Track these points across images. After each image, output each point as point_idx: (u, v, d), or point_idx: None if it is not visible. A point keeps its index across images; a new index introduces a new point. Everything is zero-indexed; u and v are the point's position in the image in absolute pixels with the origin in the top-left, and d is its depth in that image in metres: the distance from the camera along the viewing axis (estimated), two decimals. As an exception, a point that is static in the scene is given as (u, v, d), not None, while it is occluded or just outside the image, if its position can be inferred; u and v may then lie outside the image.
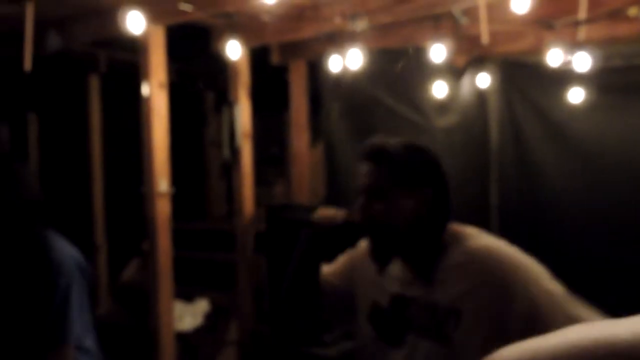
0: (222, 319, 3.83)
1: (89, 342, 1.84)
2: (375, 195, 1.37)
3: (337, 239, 1.46)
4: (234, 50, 3.07)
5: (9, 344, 1.68)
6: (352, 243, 1.50)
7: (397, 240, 1.39)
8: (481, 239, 1.38)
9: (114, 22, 3.20)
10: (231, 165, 3.79)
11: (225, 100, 4.00)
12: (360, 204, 1.39)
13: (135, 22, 2.68)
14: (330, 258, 1.60)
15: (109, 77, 4.33)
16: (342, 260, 1.60)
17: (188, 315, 3.79)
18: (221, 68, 4.48)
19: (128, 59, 4.28)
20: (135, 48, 3.48)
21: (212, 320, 3.85)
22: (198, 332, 3.79)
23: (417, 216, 1.36)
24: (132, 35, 3.04)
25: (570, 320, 1.19)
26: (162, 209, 3.24)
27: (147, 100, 3.19)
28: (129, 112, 4.72)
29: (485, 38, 2.88)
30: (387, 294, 1.43)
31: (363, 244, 1.54)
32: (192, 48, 4.29)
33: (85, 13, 3.35)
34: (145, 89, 3.19)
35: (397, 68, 3.71)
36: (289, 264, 1.55)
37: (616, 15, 3.44)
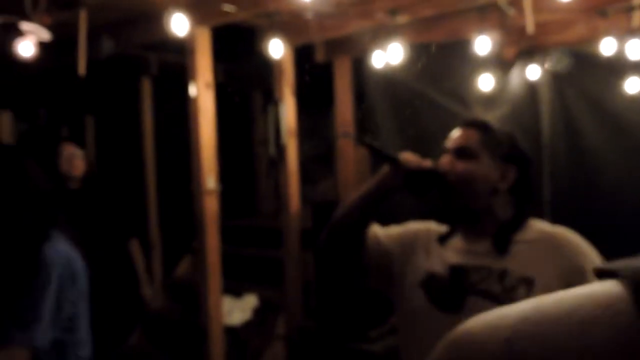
0: (270, 314, 3.89)
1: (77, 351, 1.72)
2: (463, 154, 1.43)
3: (417, 183, 1.44)
4: (277, 49, 3.11)
5: None
6: (427, 191, 1.46)
7: (470, 202, 1.43)
8: (547, 225, 1.44)
9: (162, 25, 3.30)
10: (277, 163, 3.84)
11: (271, 100, 4.05)
12: (446, 159, 1.45)
13: (179, 25, 2.76)
14: (407, 199, 1.62)
15: (159, 79, 4.46)
16: (398, 228, 1.60)
17: (237, 310, 3.87)
18: (267, 68, 4.54)
19: (177, 60, 4.40)
20: (183, 50, 3.58)
21: (260, 315, 3.92)
22: (247, 326, 3.87)
23: (496, 189, 1.42)
24: (178, 37, 3.13)
25: None
26: (210, 206, 3.32)
27: (195, 100, 3.28)
28: (179, 112, 4.86)
29: (530, 28, 2.80)
30: (446, 264, 1.45)
31: (427, 224, 1.58)
32: (238, 48, 4.37)
33: (135, 17, 3.46)
34: (192, 90, 3.27)
35: (442, 61, 3.66)
36: (346, 198, 1.55)
37: (674, -1, 3.28)
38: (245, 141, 5.35)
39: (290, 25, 3.45)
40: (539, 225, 1.44)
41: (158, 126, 4.54)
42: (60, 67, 3.59)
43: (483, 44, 3.14)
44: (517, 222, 1.43)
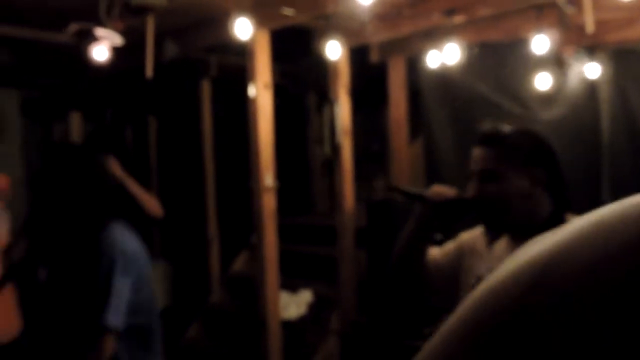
0: (325, 309, 3.97)
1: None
2: (487, 177, 1.45)
3: (448, 213, 1.53)
4: (334, 50, 3.19)
5: (61, 326, 1.74)
6: (460, 218, 1.55)
7: (507, 217, 1.45)
8: None
9: (223, 29, 3.44)
10: (332, 162, 3.92)
11: (326, 100, 4.13)
12: (472, 185, 1.48)
13: (243, 28, 2.87)
14: (441, 231, 1.68)
15: (219, 80, 4.62)
16: (452, 243, 1.67)
17: (293, 305, 3.97)
18: (322, 68, 4.62)
19: (236, 62, 4.54)
20: (242, 52, 3.70)
21: (315, 310, 4.00)
22: (302, 321, 3.96)
23: (530, 195, 1.43)
24: (240, 40, 3.25)
25: None
26: (268, 202, 3.43)
27: (253, 100, 3.39)
28: (238, 112, 5.01)
29: (590, 27, 2.77)
30: (491, 269, 1.45)
31: (475, 230, 1.63)
32: (294, 49, 4.48)
33: (198, 22, 3.62)
34: (251, 90, 3.39)
35: (499, 61, 3.65)
36: (397, 239, 1.63)
37: None
38: (300, 140, 5.46)
39: (345, 27, 3.52)
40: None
41: (217, 126, 4.70)
42: (127, 71, 3.78)
43: (541, 43, 3.13)
44: (554, 220, 1.42)
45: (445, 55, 3.42)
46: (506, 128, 1.48)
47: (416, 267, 1.62)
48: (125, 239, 1.77)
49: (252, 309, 3.78)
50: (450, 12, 3.01)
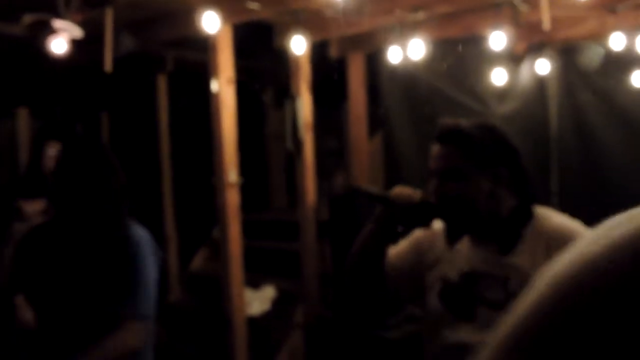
0: (288, 304, 3.98)
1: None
2: (449, 177, 1.40)
3: (412, 217, 1.47)
4: (299, 45, 3.19)
5: (86, 316, 1.77)
6: (426, 223, 1.50)
7: (472, 219, 1.41)
8: (558, 217, 1.40)
9: (184, 23, 3.39)
10: (294, 157, 3.93)
11: (285, 95, 4.13)
12: (435, 185, 1.42)
13: (210, 22, 2.83)
14: (402, 235, 1.62)
15: (176, 76, 4.53)
16: (406, 242, 1.61)
17: (256, 301, 3.96)
18: (281, 64, 4.61)
19: (194, 58, 4.48)
20: (200, 47, 3.65)
21: (279, 306, 4.01)
22: (266, 317, 3.96)
23: (493, 195, 1.38)
24: (202, 35, 3.21)
25: None
26: (232, 198, 3.41)
27: (216, 95, 3.36)
28: (195, 108, 4.93)
29: (547, 24, 2.89)
30: (457, 270, 1.45)
31: (434, 225, 1.56)
32: (251, 46, 4.45)
33: (158, 15, 3.54)
34: (214, 85, 3.35)
35: (457, 57, 3.75)
36: (356, 239, 1.58)
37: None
38: (257, 137, 5.43)
39: (309, 22, 3.53)
40: (548, 220, 1.40)
41: (174, 122, 4.62)
42: (80, 65, 3.66)
43: (498, 40, 3.23)
44: (521, 218, 1.39)
45: (405, 52, 3.48)
46: (466, 124, 1.42)
47: (375, 269, 1.56)
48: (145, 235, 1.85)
49: (213, 306, 3.75)
50: (417, 8, 3.07)
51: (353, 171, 4.36)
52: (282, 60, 4.45)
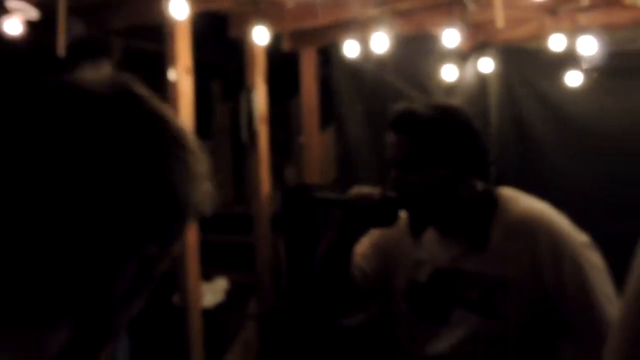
0: (242, 296, 3.98)
1: None
2: (408, 166, 1.32)
3: (374, 217, 1.37)
4: (260, 36, 3.20)
5: None
6: (390, 220, 1.39)
7: (436, 208, 1.34)
8: (526, 200, 1.37)
9: (138, 11, 3.32)
10: (248, 149, 3.92)
11: (233, 88, 4.11)
12: (394, 177, 1.34)
13: (178, 9, 2.79)
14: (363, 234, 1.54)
15: (124, 64, 4.40)
16: (369, 241, 1.53)
17: (209, 293, 3.92)
18: (230, 55, 4.57)
19: (143, 47, 4.37)
20: (150, 36, 3.58)
21: (232, 297, 4.00)
22: (220, 308, 3.93)
23: (455, 181, 1.31)
24: (155, 23, 3.16)
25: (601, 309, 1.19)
26: (189, 189, 3.36)
27: (174, 85, 3.31)
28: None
29: (500, 22, 3.05)
30: (425, 270, 1.39)
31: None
32: (201, 36, 4.40)
33: (107, 1, 3.44)
34: (171, 74, 3.30)
35: (409, 53, 3.87)
36: (317, 244, 1.50)
37: (614, 3, 3.65)
38: (204, 130, 5.36)
39: (266, 13, 3.54)
40: (516, 205, 1.34)
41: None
42: (28, 49, 3.49)
43: (451, 37, 3.37)
44: (486, 206, 1.33)
45: (361, 46, 3.57)
46: (421, 107, 1.32)
47: (342, 275, 1.47)
48: None
49: (163, 299, 3.70)
50: (381, 3, 3.15)
51: (305, 164, 4.40)
52: (231, 51, 4.42)
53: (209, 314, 3.79)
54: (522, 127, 4.55)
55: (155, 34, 3.65)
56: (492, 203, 1.33)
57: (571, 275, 1.23)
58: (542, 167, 4.45)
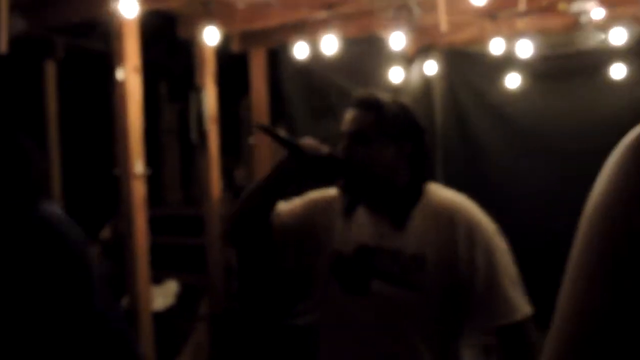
0: (193, 298, 3.94)
1: None
2: (359, 140, 1.44)
3: (317, 170, 1.45)
4: (211, 36, 3.19)
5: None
6: (330, 177, 1.49)
7: (372, 183, 1.46)
8: (448, 192, 1.49)
9: (83, 8, 3.25)
10: (198, 150, 3.90)
11: (181, 88, 4.09)
12: (343, 145, 1.46)
13: (128, 7, 2.75)
14: (303, 186, 1.58)
15: (67, 63, 4.29)
16: (300, 201, 1.59)
17: (159, 296, 3.87)
18: (177, 56, 4.53)
19: (87, 45, 4.27)
20: (94, 34, 3.51)
21: (183, 300, 3.96)
22: (171, 311, 3.89)
23: (396, 166, 1.44)
24: (102, 20, 3.11)
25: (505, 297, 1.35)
26: (138, 190, 3.32)
27: (122, 84, 3.25)
28: (89, 97, 4.69)
29: (444, 27, 3.17)
30: (351, 244, 1.48)
31: (328, 191, 1.57)
32: (148, 36, 4.34)
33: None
34: (119, 74, 3.25)
35: (357, 55, 3.96)
36: (262, 182, 1.52)
37: (548, 9, 3.85)
38: (151, 130, 5.28)
39: (216, 14, 3.54)
40: (439, 194, 1.46)
41: (65, 112, 4.37)
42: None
43: (397, 40, 3.47)
44: (415, 192, 1.45)
45: (310, 47, 3.62)
46: (383, 96, 1.47)
47: (262, 220, 1.51)
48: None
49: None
50: (329, 5, 3.21)
51: (255, 164, 4.41)
52: (178, 52, 4.38)
53: (159, 317, 3.74)
54: (466, 127, 4.72)
55: (102, 32, 3.59)
56: (419, 191, 1.47)
57: (483, 256, 1.37)
58: (485, 166, 4.63)
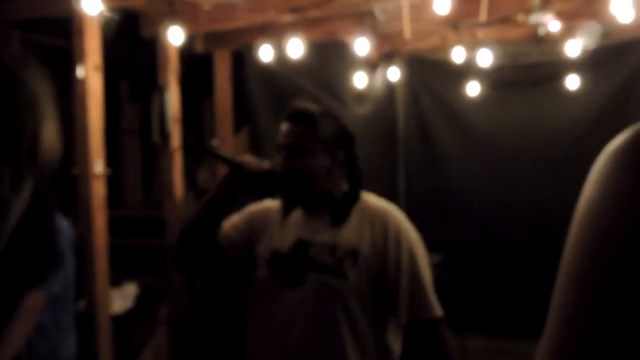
0: (153, 301, 3.89)
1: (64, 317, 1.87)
2: (295, 152, 1.54)
3: (259, 185, 1.55)
4: (176, 36, 3.17)
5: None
6: (270, 191, 1.59)
7: (310, 192, 1.58)
8: (378, 200, 1.64)
9: (41, 3, 3.18)
10: (160, 151, 3.86)
11: (145, 87, 4.03)
12: (281, 159, 1.56)
13: (91, 3, 2.71)
14: (236, 210, 1.68)
15: (23, 58, 4.17)
16: (240, 216, 1.69)
17: (117, 299, 3.80)
18: (139, 55, 4.47)
19: (45, 41, 4.17)
20: (51, 30, 3.43)
21: (143, 303, 3.89)
22: (130, 314, 3.82)
23: (330, 173, 1.57)
24: (63, 16, 3.05)
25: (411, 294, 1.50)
26: (98, 191, 3.26)
27: (82, 82, 3.20)
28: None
29: (407, 34, 3.23)
30: (288, 241, 1.59)
31: (265, 203, 1.70)
32: (108, 34, 4.27)
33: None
34: (80, 71, 3.19)
35: (321, 59, 3.98)
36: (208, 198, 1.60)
37: (508, 20, 3.96)
38: (110, 131, 5.18)
39: (180, 14, 3.51)
40: (371, 200, 1.61)
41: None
42: None
43: (362, 46, 3.51)
44: (351, 196, 1.58)
45: (275, 50, 3.63)
46: (314, 107, 1.58)
47: (209, 237, 1.59)
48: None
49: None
50: (296, 10, 3.22)
51: (218, 167, 4.38)
52: (141, 50, 4.32)
53: (118, 320, 3.67)
54: (427, 133, 4.81)
55: (62, 28, 3.51)
56: (356, 197, 1.60)
57: (407, 258, 1.52)
58: (445, 171, 4.72)
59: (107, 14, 3.06)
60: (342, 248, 1.52)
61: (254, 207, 1.69)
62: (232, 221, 1.67)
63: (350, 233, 1.54)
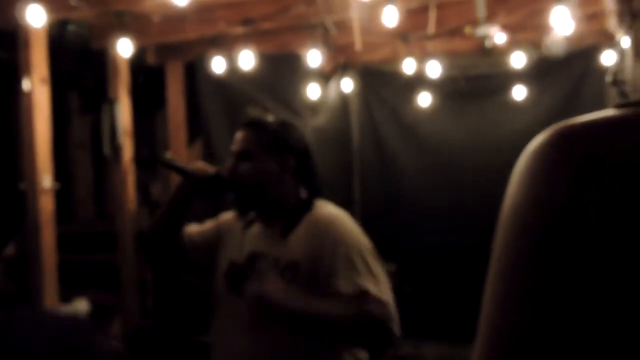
0: (105, 317, 3.80)
1: None
2: (243, 157, 1.60)
3: (207, 189, 1.62)
4: (125, 48, 3.14)
5: None
6: (217, 194, 1.65)
7: (258, 196, 1.61)
8: (332, 208, 1.66)
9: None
10: (111, 164, 3.80)
11: (93, 100, 3.97)
12: (230, 164, 1.62)
13: (34, 16, 2.66)
14: (202, 205, 1.71)
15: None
16: (211, 222, 1.76)
17: (68, 317, 3.71)
18: (88, 67, 4.39)
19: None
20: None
21: (94, 319, 3.80)
22: (81, 332, 3.73)
23: (279, 179, 1.60)
24: (9, 28, 2.98)
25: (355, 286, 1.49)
26: (46, 206, 3.19)
27: (28, 95, 3.13)
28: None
29: (358, 46, 3.29)
30: (245, 252, 1.64)
31: (230, 214, 1.74)
32: (58, 46, 4.18)
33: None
34: (26, 84, 3.12)
35: (274, 71, 4.00)
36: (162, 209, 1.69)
37: (456, 32, 4.08)
38: (59, 144, 5.06)
39: (130, 26, 3.48)
40: (324, 209, 1.62)
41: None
42: None
43: (314, 58, 3.55)
44: (304, 206, 1.61)
45: (227, 62, 3.63)
46: (267, 116, 1.71)
47: (172, 237, 1.67)
48: None
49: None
50: (247, 21, 3.23)
51: (172, 180, 4.33)
52: (90, 62, 4.25)
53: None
54: (381, 143, 4.88)
55: (6, 41, 3.43)
56: (308, 207, 1.62)
57: (343, 265, 1.50)
58: (399, 180, 4.80)
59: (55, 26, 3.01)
60: (283, 261, 1.55)
61: (225, 215, 1.74)
62: (203, 225, 1.74)
63: (294, 245, 1.56)
